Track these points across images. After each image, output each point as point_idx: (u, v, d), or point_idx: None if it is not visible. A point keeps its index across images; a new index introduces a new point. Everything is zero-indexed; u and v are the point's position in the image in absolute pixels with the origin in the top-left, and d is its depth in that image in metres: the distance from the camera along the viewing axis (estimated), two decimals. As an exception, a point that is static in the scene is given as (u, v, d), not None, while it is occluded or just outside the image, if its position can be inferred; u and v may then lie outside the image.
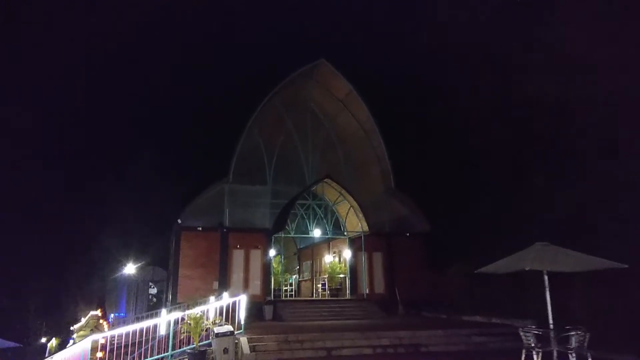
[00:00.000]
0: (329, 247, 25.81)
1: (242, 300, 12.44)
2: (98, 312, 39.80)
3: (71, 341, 33.09)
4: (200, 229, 21.22)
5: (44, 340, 47.10)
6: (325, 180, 21.64)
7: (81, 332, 37.05)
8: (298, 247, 31.21)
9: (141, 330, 11.77)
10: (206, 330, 11.94)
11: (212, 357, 11.56)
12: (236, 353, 11.64)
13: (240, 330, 12.24)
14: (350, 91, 23.75)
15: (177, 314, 11.98)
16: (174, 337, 11.52)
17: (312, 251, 28.57)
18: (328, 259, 25.58)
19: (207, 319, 12.55)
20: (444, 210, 23.39)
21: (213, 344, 11.53)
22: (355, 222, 22.23)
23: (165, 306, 21.95)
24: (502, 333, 14.02)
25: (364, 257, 22.38)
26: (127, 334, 11.32)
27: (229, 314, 12.64)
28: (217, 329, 11.56)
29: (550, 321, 10.30)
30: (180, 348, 11.75)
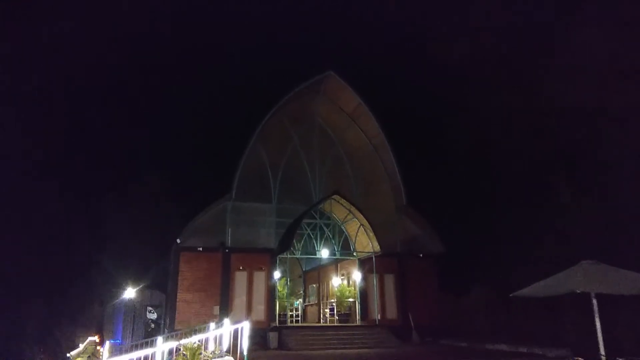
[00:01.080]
0: (337, 269, 24.38)
1: (245, 328, 11.07)
2: (96, 338, 38.09)
3: (65, 369, 31.41)
4: (201, 249, 19.91)
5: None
6: (333, 197, 20.41)
7: (78, 359, 35.34)
8: (303, 270, 29.74)
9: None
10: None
11: (211, 394, 10.16)
12: (238, 389, 10.23)
13: (243, 363, 10.85)
14: (358, 104, 22.76)
15: (171, 344, 10.61)
16: (167, 371, 10.12)
17: (318, 273, 27.10)
18: (336, 281, 24.12)
19: (206, 349, 11.18)
20: (460, 230, 21.99)
21: (212, 379, 10.14)
22: (366, 242, 20.88)
23: (163, 333, 20.47)
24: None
25: (375, 280, 20.94)
26: None
27: (230, 344, 11.25)
28: (216, 361, 10.19)
29: (602, 352, 8.89)
30: (174, 383, 10.35)
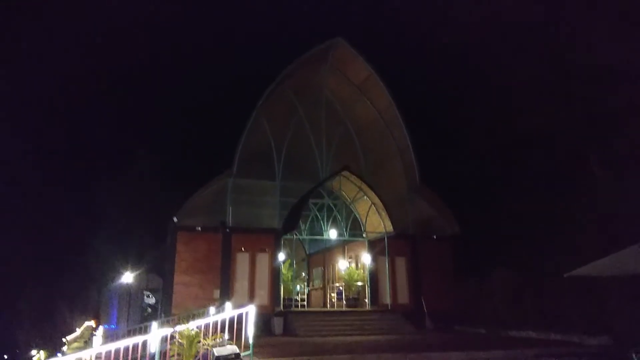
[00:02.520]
0: (344, 251, 23.01)
1: (251, 313, 9.67)
2: (93, 323, 36.94)
3: (59, 355, 30.26)
4: (200, 229, 18.47)
5: (34, 352, 44.20)
6: (342, 173, 18.92)
7: (74, 344, 34.14)
8: (307, 252, 28.39)
9: (126, 348, 9.02)
10: (204, 350, 9.20)
11: (212, 388, 8.78)
12: (243, 381, 8.85)
13: (248, 352, 9.45)
14: (369, 75, 21.12)
15: (165, 330, 9.21)
16: (160, 361, 8.74)
17: (323, 256, 25.75)
18: (343, 264, 22.77)
19: (206, 336, 9.79)
20: (478, 210, 20.52)
21: (213, 370, 8.75)
22: (377, 222, 19.47)
23: (159, 318, 19.13)
24: (575, 354, 11.18)
25: (387, 262, 19.55)
26: (110, 352, 8.63)
27: (232, 330, 9.87)
28: (217, 351, 8.79)
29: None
30: (169, 375, 8.98)
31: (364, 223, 20.02)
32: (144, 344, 10.82)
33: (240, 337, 9.68)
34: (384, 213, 18.61)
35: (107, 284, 35.58)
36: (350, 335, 15.17)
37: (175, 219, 17.99)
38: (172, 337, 9.27)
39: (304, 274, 27.27)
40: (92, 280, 44.44)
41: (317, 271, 26.67)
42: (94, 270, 42.83)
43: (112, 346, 8.91)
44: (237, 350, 8.93)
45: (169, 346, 9.04)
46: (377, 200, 18.54)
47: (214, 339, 9.21)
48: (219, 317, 10.09)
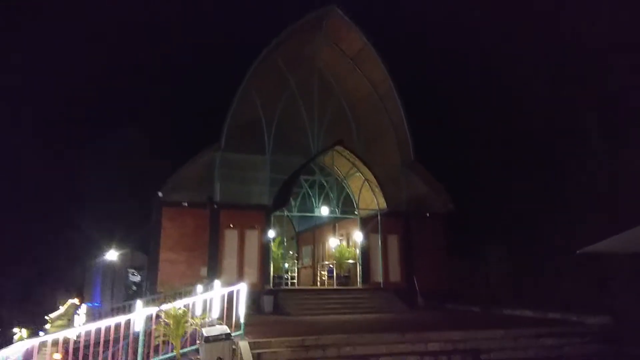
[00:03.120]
0: (335, 229, 22.51)
1: (242, 291, 9.08)
2: (76, 301, 36.17)
3: (41, 333, 29.56)
4: (186, 204, 17.72)
5: (16, 330, 43.37)
6: (336, 148, 18.23)
7: (58, 322, 33.45)
8: (296, 230, 27.86)
9: (107, 328, 8.38)
10: (192, 330, 8.61)
11: (201, 370, 8.22)
12: (234, 363, 8.30)
13: (239, 332, 8.90)
14: (364, 46, 20.25)
15: (150, 310, 8.57)
16: (144, 342, 8.12)
17: (313, 234, 25.27)
18: (334, 242, 22.30)
19: (193, 315, 9.19)
20: (474, 187, 20.09)
21: (201, 352, 8.17)
22: (370, 199, 18.94)
23: (144, 296, 18.49)
24: (576, 333, 10.90)
25: (380, 240, 19.08)
26: (96, 331, 8.03)
27: (222, 309, 9.27)
28: (207, 331, 8.19)
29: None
30: (155, 356, 8.37)
31: (356, 200, 19.47)
32: (128, 323, 10.23)
33: (231, 317, 9.11)
34: (377, 189, 18.06)
35: (90, 262, 34.74)
36: (342, 313, 14.75)
37: (160, 194, 17.19)
38: (158, 316, 8.66)
39: (291, 252, 26.79)
40: (75, 257, 43.54)
41: (306, 249, 26.21)
42: (78, 247, 41.90)
43: (94, 326, 8.28)
44: (228, 330, 8.35)
45: (154, 326, 8.42)
46: (370, 176, 17.95)
47: (203, 319, 8.60)
48: (207, 296, 9.49)
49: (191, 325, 8.30)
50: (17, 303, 45.46)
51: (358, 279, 19.50)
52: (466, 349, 9.61)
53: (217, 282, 11.73)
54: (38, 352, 13.36)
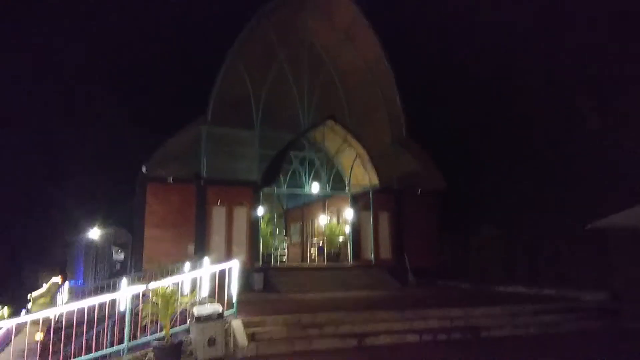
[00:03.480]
0: (325, 206, 22.15)
1: (234, 268, 8.62)
2: (59, 279, 35.41)
3: (23, 311, 28.88)
4: (171, 180, 17.05)
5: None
6: (327, 122, 17.68)
7: (41, 300, 32.72)
8: (284, 208, 27.46)
9: (92, 307, 7.89)
10: (181, 309, 8.16)
11: (192, 351, 7.81)
12: (227, 344, 7.91)
13: (232, 311, 8.48)
14: (356, 17, 19.51)
15: (137, 288, 8.08)
16: (131, 322, 7.66)
17: (302, 212, 24.90)
18: (323, 220, 21.98)
19: (182, 294, 8.75)
20: (467, 165, 19.80)
21: (192, 332, 7.76)
22: (361, 176, 18.53)
23: (130, 274, 17.95)
24: (574, 309, 10.80)
25: (371, 217, 18.75)
26: (79, 310, 7.56)
27: (214, 288, 8.83)
28: (197, 310, 7.76)
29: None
30: (143, 337, 7.92)
31: (348, 176, 19.03)
32: (113, 302, 9.73)
33: (222, 295, 8.68)
34: (369, 165, 17.65)
35: (72, 239, 33.94)
36: (333, 291, 14.47)
37: (144, 169, 16.47)
38: (144, 295, 8.18)
39: (277, 231, 26.42)
40: (56, 235, 42.53)
41: (295, 227, 25.88)
42: (58, 225, 40.85)
43: (78, 305, 7.78)
44: (220, 309, 7.93)
45: (141, 305, 7.94)
46: (362, 152, 17.51)
47: (193, 297, 8.15)
48: (197, 274, 9.03)
49: (181, 304, 7.84)
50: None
51: (349, 257, 19.25)
52: (465, 326, 9.40)
53: (206, 260, 11.26)
54: (18, 333, 12.73)
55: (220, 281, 8.70)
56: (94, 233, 27.88)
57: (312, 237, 23.00)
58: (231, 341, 8.02)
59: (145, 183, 16.85)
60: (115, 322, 9.33)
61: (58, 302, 17.03)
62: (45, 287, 36.14)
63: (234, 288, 8.60)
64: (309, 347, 7.97)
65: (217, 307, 7.97)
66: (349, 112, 20.30)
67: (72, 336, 10.02)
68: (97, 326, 8.80)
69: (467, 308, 10.15)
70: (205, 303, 8.48)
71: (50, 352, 8.49)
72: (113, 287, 14.77)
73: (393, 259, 19.17)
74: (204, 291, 9.39)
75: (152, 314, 7.66)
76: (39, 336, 13.54)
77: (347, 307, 10.41)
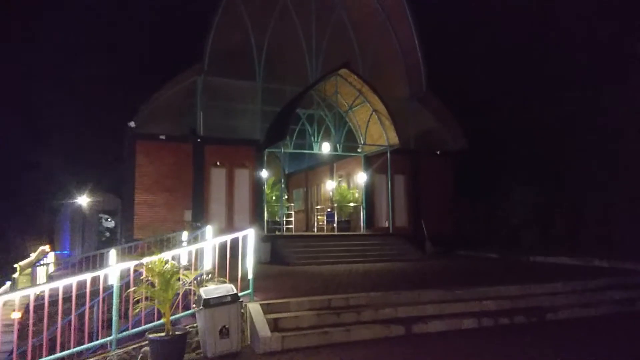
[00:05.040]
0: (333, 170, 20.26)
1: (250, 238, 6.81)
2: (47, 248, 33.63)
3: (8, 283, 27.21)
4: (164, 137, 15.04)
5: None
6: (340, 72, 15.57)
7: (29, 270, 31.01)
8: (286, 172, 25.55)
9: (72, 285, 6.07)
10: (185, 290, 6.38)
11: (198, 344, 6.09)
12: (243, 332, 6.19)
13: (248, 291, 6.71)
14: (371, -47, 17.11)
15: (127, 264, 6.25)
16: (120, 308, 5.88)
17: (306, 176, 23.03)
18: (330, 185, 20.16)
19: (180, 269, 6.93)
20: (491, 122, 17.91)
21: (199, 320, 6.01)
22: (377, 134, 16.62)
23: (119, 243, 16.15)
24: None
25: (389, 181, 16.94)
26: (60, 288, 5.74)
27: (222, 262, 7.05)
28: (206, 292, 5.99)
29: None
30: (134, 327, 6.16)
31: (363, 134, 17.07)
32: (99, 278, 7.93)
33: (234, 271, 6.90)
34: (387, 122, 15.71)
35: (59, 205, 31.97)
36: (351, 262, 12.83)
37: (132, 124, 14.38)
38: (135, 270, 6.38)
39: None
40: (41, 200, 40.33)
41: (297, 193, 24.06)
42: (42, 190, 38.63)
43: (59, 283, 6.00)
44: (234, 290, 6.17)
45: (132, 285, 6.14)
46: (380, 106, 15.51)
47: (206, 276, 6.37)
48: (203, 245, 7.20)
49: (184, 284, 6.04)
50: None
51: (361, 224, 17.59)
52: (527, 307, 7.76)
53: (209, 228, 9.42)
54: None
55: (224, 253, 6.91)
56: (80, 199, 25.90)
57: (317, 204, 21.26)
58: (248, 331, 6.30)
59: (133, 141, 14.83)
60: (99, 303, 7.58)
61: (37, 273, 15.20)
62: (33, 256, 34.43)
63: (249, 262, 6.81)
64: (347, 338, 6.27)
65: (229, 288, 6.21)
66: (362, 64, 18.14)
67: (55, 315, 8.33)
68: (83, 305, 7.14)
69: (525, 285, 8.51)
70: (213, 280, 6.72)
71: (30, 334, 6.78)
72: (101, 259, 12.99)
73: (409, 227, 17.57)
74: (208, 266, 7.64)
75: (146, 297, 5.88)
76: (16, 315, 11.89)
77: (379, 284, 8.75)
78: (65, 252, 25.46)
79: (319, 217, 19.66)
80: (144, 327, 6.08)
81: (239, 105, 16.52)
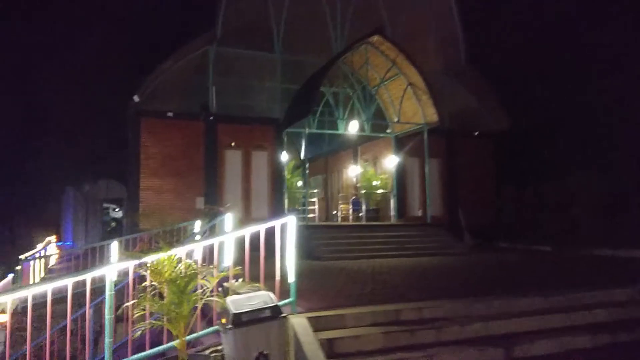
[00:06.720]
0: (356, 153, 18.41)
1: (291, 227, 5.05)
2: (54, 238, 32.26)
3: (11, 275, 25.83)
4: (172, 114, 13.28)
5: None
6: (371, 39, 13.64)
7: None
8: (303, 157, 23.72)
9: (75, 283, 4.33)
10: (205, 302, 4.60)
11: (226, 378, 4.33)
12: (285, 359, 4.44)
13: (289, 300, 4.94)
14: None
15: (123, 264, 4.50)
16: (113, 326, 4.15)
17: (326, 162, 21.23)
18: (354, 171, 18.34)
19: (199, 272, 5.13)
20: (539, 100, 15.96)
21: (227, 343, 4.23)
22: (412, 111, 14.73)
23: (124, 234, 14.47)
24: None
25: (426, 164, 15.03)
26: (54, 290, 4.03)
27: (241, 260, 5.25)
28: (234, 303, 4.22)
29: None
30: (138, 353, 4.42)
31: (395, 112, 15.17)
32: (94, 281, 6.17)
33: (270, 273, 5.12)
34: (425, 97, 13.80)
35: (62, 194, 30.49)
36: (390, 257, 11.06)
37: (136, 98, 12.62)
38: (139, 276, 4.63)
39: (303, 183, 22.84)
40: (48, 189, 38.87)
41: (316, 180, 22.26)
42: (49, 178, 37.16)
43: (49, 285, 4.32)
44: (273, 301, 4.41)
45: (131, 299, 4.40)
46: (417, 78, 13.60)
47: (235, 280, 4.61)
48: (227, 237, 5.40)
49: (205, 293, 4.27)
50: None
51: (390, 213, 15.79)
52: (646, 317, 5.93)
53: (228, 217, 7.62)
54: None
55: (252, 248, 5.14)
56: (84, 186, 24.35)
57: (339, 192, 19.48)
58: (292, 356, 4.54)
59: (138, 118, 13.09)
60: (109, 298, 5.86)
61: (29, 270, 13.52)
62: (40, 247, 33.17)
63: (290, 262, 5.03)
64: (430, 366, 4.50)
65: (266, 296, 4.44)
66: (393, 33, 16.17)
67: (45, 319, 6.72)
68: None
69: (626, 288, 6.67)
70: (239, 283, 4.94)
71: (28, 340, 5.12)
72: (105, 251, 11.39)
73: (445, 216, 15.75)
74: (229, 264, 5.87)
75: (152, 312, 4.14)
76: (3, 318, 10.33)
77: (444, 287, 7.00)
78: (68, 243, 23.92)
79: (341, 205, 17.88)
80: (147, 353, 4.35)
81: (255, 81, 14.72)
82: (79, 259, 12.54)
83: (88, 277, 4.33)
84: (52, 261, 16.74)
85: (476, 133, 16.50)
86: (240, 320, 4.14)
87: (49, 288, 4.29)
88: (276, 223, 5.13)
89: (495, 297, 6.06)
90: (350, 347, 4.67)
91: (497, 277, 8.28)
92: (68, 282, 4.29)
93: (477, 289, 6.76)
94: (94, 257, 11.25)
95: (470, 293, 6.37)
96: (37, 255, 15.60)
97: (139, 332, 4.04)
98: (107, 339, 4.14)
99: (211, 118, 13.56)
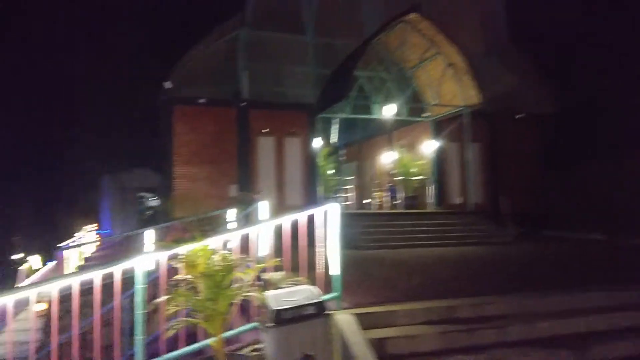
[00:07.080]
0: (391, 140, 17.77)
1: (334, 215, 4.62)
2: (94, 227, 33.17)
3: (49, 264, 26.66)
4: (204, 101, 13.01)
5: (29, 258, 41.04)
6: (408, 18, 12.92)
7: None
8: (335, 144, 23.24)
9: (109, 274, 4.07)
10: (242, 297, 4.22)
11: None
12: (330, 360, 4.03)
13: (333, 295, 4.52)
14: None
15: (154, 256, 4.17)
16: (145, 324, 3.83)
17: (359, 149, 20.66)
18: (388, 157, 17.72)
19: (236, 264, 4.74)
20: (589, 79, 14.86)
21: (268, 342, 3.85)
22: (452, 94, 13.98)
23: (159, 222, 14.42)
24: None
25: (471, 149, 14.25)
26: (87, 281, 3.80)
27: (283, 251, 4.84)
28: (275, 299, 3.83)
29: None
30: (170, 352, 4.10)
31: (433, 95, 14.43)
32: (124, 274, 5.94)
33: (311, 265, 4.71)
34: (466, 78, 13.03)
35: (99, 183, 31.15)
36: (432, 246, 10.52)
37: (168, 84, 12.41)
38: (171, 268, 4.29)
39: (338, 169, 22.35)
40: (85, 178, 39.92)
41: (349, 167, 21.76)
42: (86, 167, 38.07)
43: (80, 277, 4.09)
44: (318, 296, 3.99)
45: (163, 296, 4.08)
46: (457, 58, 12.84)
47: (275, 274, 4.22)
48: (267, 225, 5.00)
49: (242, 286, 3.89)
50: (27, 228, 42.61)
51: (428, 200, 15.15)
52: None
53: (264, 204, 7.25)
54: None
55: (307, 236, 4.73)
56: (120, 175, 24.73)
57: (373, 179, 18.93)
58: (338, 357, 4.12)
59: (170, 106, 12.89)
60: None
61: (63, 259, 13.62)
62: (80, 235, 34.14)
63: (334, 252, 4.60)
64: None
65: (309, 290, 4.04)
66: (430, 13, 15.33)
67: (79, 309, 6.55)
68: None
69: None
70: (282, 280, 4.54)
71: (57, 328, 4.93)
72: (137, 239, 11.33)
73: (487, 203, 14.96)
74: (262, 250, 5.47)
75: (186, 307, 3.79)
76: (41, 307, 10.39)
77: (499, 279, 6.41)
78: (107, 231, 24.43)
79: (376, 193, 17.34)
80: (182, 351, 4.03)
81: (286, 65, 14.24)
82: (118, 247, 12.61)
83: (116, 269, 4.02)
84: (93, 248, 17.01)
85: (520, 115, 15.53)
86: (281, 318, 3.76)
87: (73, 281, 4.01)
88: (317, 210, 4.69)
89: (553, 291, 5.46)
90: (402, 347, 4.21)
91: (551, 269, 7.61)
92: (96, 275, 4.01)
93: (531, 283, 6.15)
94: (130, 245, 11.22)
95: (526, 287, 5.78)
96: (71, 244, 15.72)
97: (173, 332, 3.69)
98: (138, 336, 3.83)
99: (243, 104, 13.23)
